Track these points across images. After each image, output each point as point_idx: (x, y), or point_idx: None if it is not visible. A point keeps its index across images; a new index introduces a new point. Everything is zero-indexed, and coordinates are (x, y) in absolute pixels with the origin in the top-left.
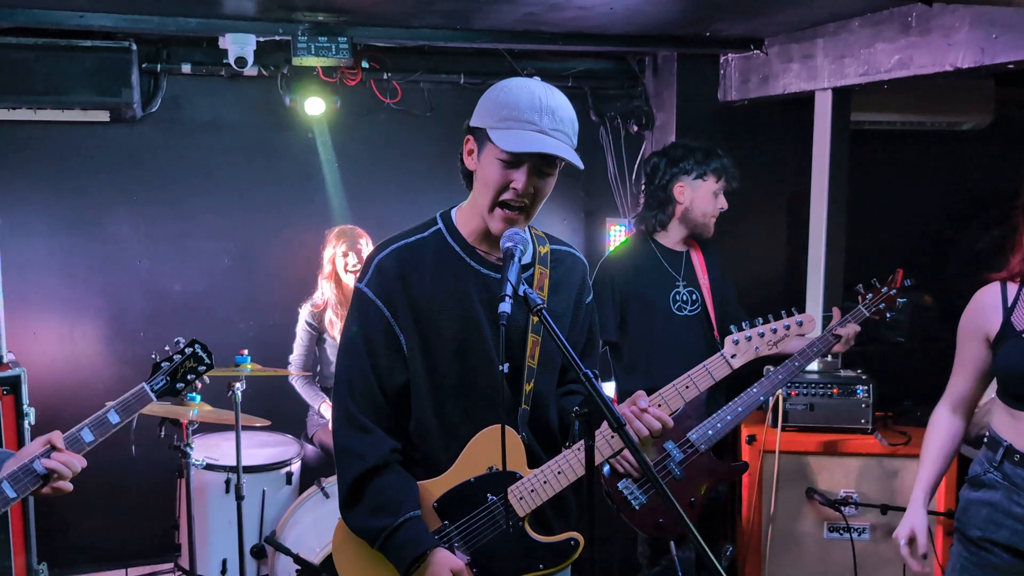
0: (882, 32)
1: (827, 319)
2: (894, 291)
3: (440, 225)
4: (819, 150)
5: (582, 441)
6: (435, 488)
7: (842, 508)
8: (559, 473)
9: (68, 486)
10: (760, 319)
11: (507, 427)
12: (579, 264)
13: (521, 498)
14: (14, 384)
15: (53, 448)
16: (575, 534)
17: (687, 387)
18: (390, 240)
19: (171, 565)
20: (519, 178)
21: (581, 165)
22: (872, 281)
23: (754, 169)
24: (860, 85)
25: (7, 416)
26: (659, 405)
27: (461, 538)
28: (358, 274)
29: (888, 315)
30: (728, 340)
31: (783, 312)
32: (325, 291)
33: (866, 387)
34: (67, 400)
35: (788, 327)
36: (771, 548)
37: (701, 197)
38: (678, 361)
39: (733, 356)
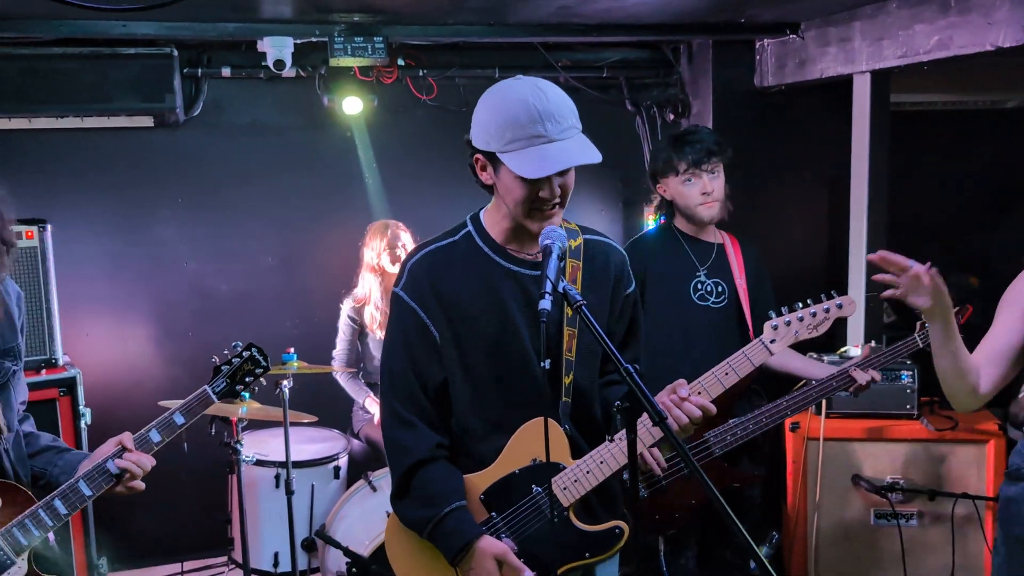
0: (921, 13)
1: (870, 312)
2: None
3: (470, 228)
4: (858, 134)
5: (612, 439)
6: (481, 481)
7: (889, 494)
8: (601, 463)
9: (140, 484)
10: (799, 303)
11: (551, 420)
12: (615, 254)
13: (565, 488)
14: (70, 385)
15: (124, 449)
16: (619, 522)
17: (727, 373)
18: (423, 245)
19: (224, 558)
20: (544, 188)
21: (599, 159)
22: None
23: (792, 155)
24: (899, 67)
25: (64, 417)
26: (699, 393)
27: (508, 529)
28: (395, 279)
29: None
30: (767, 325)
31: (822, 295)
32: (367, 285)
33: (910, 372)
34: (120, 400)
35: (828, 310)
36: (818, 536)
37: (677, 192)
38: (699, 351)
39: (772, 341)
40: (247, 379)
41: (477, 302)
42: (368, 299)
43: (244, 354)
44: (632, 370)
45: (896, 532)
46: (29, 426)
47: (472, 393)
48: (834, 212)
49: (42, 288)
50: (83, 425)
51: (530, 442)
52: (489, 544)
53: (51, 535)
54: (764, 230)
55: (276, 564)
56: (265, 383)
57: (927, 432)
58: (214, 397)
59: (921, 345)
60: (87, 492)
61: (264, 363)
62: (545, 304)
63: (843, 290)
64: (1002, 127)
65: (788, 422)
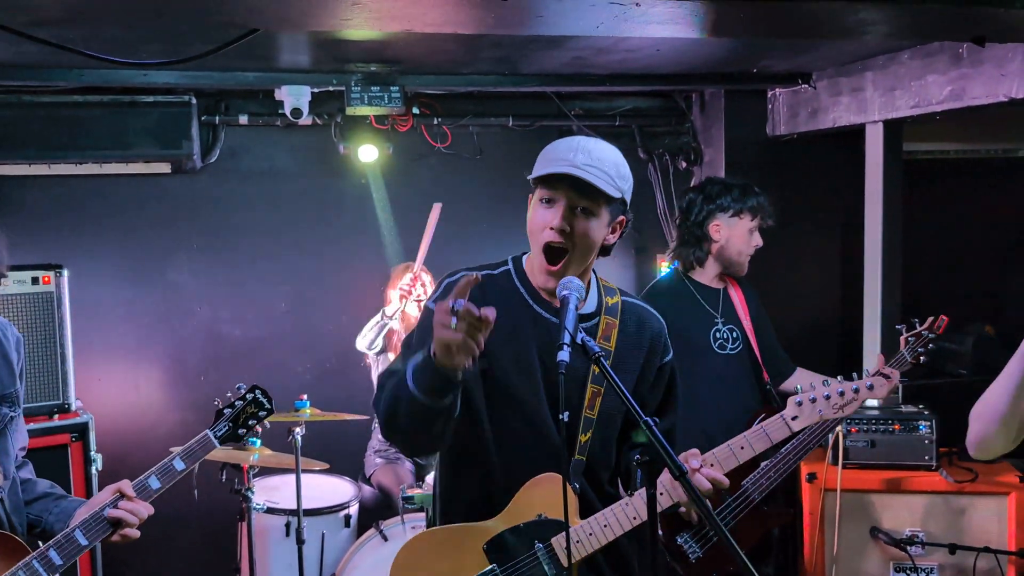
0: (933, 64)
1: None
2: (932, 335)
3: (510, 266)
4: (871, 183)
5: (633, 493)
6: (485, 531)
7: (908, 548)
8: (605, 526)
9: (135, 533)
10: (827, 380)
11: (558, 476)
12: (653, 321)
13: (565, 547)
14: (82, 431)
15: (122, 496)
16: None
17: (742, 448)
18: (462, 269)
19: None
20: (551, 216)
21: (610, 192)
22: (913, 322)
23: (805, 203)
24: (912, 117)
25: (76, 462)
26: (711, 465)
27: None
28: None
29: (922, 360)
30: (791, 401)
31: (854, 375)
32: (393, 323)
33: (929, 423)
34: (132, 445)
35: (857, 390)
36: None
37: (737, 235)
38: (723, 400)
39: (795, 418)
40: (250, 422)
41: (503, 339)
42: (394, 333)
43: (247, 396)
44: (652, 424)
45: None
46: (27, 472)
47: (487, 428)
48: (847, 260)
49: (57, 333)
50: (94, 471)
51: (538, 496)
52: None
53: None
54: (777, 278)
55: None
56: (269, 426)
57: (946, 484)
58: (215, 442)
59: (909, 359)
60: (83, 542)
61: (268, 406)
62: (563, 356)
63: (859, 339)
64: (1016, 175)
65: (805, 472)
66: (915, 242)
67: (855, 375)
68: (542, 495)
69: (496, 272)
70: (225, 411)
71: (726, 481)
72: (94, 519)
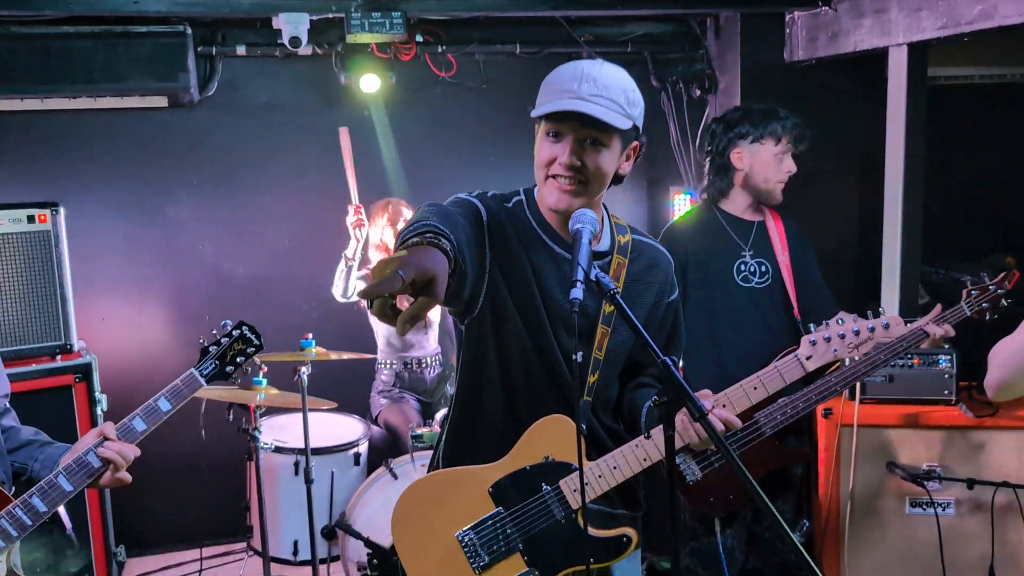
0: None
1: (904, 291)
2: (1002, 291)
3: (522, 198)
4: (894, 109)
5: (649, 435)
6: (490, 474)
7: (925, 482)
8: (614, 468)
9: (126, 476)
10: (842, 316)
11: (567, 418)
12: (663, 259)
13: (575, 490)
14: (86, 372)
15: (105, 439)
16: (628, 531)
17: (755, 388)
18: (476, 191)
19: (244, 544)
20: (562, 150)
21: (620, 125)
22: (981, 275)
23: (823, 131)
24: (938, 39)
25: (80, 404)
26: (723, 405)
27: (514, 525)
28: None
29: (988, 317)
30: (805, 340)
31: (868, 313)
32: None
33: (948, 357)
34: (137, 385)
35: (873, 329)
36: (850, 524)
37: (760, 162)
38: (743, 334)
39: (808, 358)
40: (238, 359)
41: (520, 271)
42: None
43: (234, 333)
44: (670, 363)
45: (932, 521)
46: (10, 420)
47: (498, 368)
48: (866, 190)
49: (55, 273)
50: (99, 412)
51: (544, 438)
52: None
53: (67, 521)
54: (793, 208)
55: (296, 552)
56: (260, 363)
57: (965, 418)
58: (202, 380)
59: (968, 314)
60: (67, 487)
61: (257, 342)
62: (576, 293)
63: (876, 274)
64: None
65: (820, 408)
66: (938, 172)
67: (869, 314)
68: (549, 437)
69: (510, 204)
70: (211, 348)
71: (738, 423)
72: (77, 464)
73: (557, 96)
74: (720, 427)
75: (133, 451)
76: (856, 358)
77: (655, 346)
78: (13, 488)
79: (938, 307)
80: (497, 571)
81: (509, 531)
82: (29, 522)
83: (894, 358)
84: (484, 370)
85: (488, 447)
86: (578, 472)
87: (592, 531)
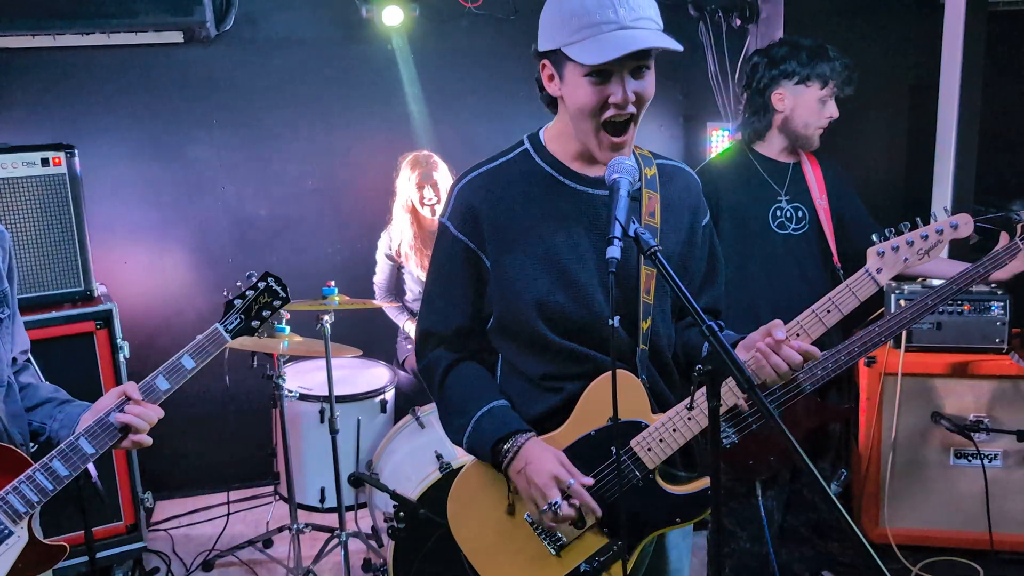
0: None
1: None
2: None
3: (528, 146)
4: (950, 39)
5: (693, 406)
6: (552, 444)
7: (972, 434)
8: (690, 419)
9: (146, 439)
10: (905, 224)
11: (627, 372)
12: (692, 181)
13: (649, 449)
14: (107, 318)
15: (128, 400)
16: (708, 481)
17: (828, 311)
18: (472, 168)
19: (271, 489)
20: (615, 91)
21: (679, 47)
22: None
23: (872, 62)
24: None
25: (103, 351)
26: (797, 335)
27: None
28: (440, 208)
29: None
30: (871, 252)
31: (933, 213)
32: (401, 225)
33: (1002, 303)
34: (160, 331)
35: (941, 231)
36: (891, 475)
37: (803, 105)
38: (779, 282)
39: (879, 271)
40: (264, 313)
41: (540, 227)
42: (403, 239)
43: (259, 285)
44: (717, 328)
45: (978, 473)
46: (29, 377)
47: (533, 329)
48: (914, 126)
49: (72, 217)
50: (122, 359)
51: (605, 398)
52: (544, 444)
53: (93, 470)
54: (838, 143)
55: (323, 500)
56: (287, 316)
57: (1017, 368)
58: (227, 336)
59: None
60: (89, 450)
61: (283, 294)
62: (614, 252)
63: (926, 208)
64: None
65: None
66: (994, 105)
67: (934, 215)
68: (609, 396)
69: (512, 156)
70: (235, 302)
71: (817, 352)
72: (100, 426)
73: (596, 31)
74: (798, 359)
75: (156, 412)
76: (926, 261)
77: (702, 313)
78: (34, 446)
79: (1005, 236)
80: (577, 548)
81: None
82: (50, 487)
83: (944, 302)
84: (517, 323)
85: (526, 410)
86: (650, 429)
87: (673, 489)
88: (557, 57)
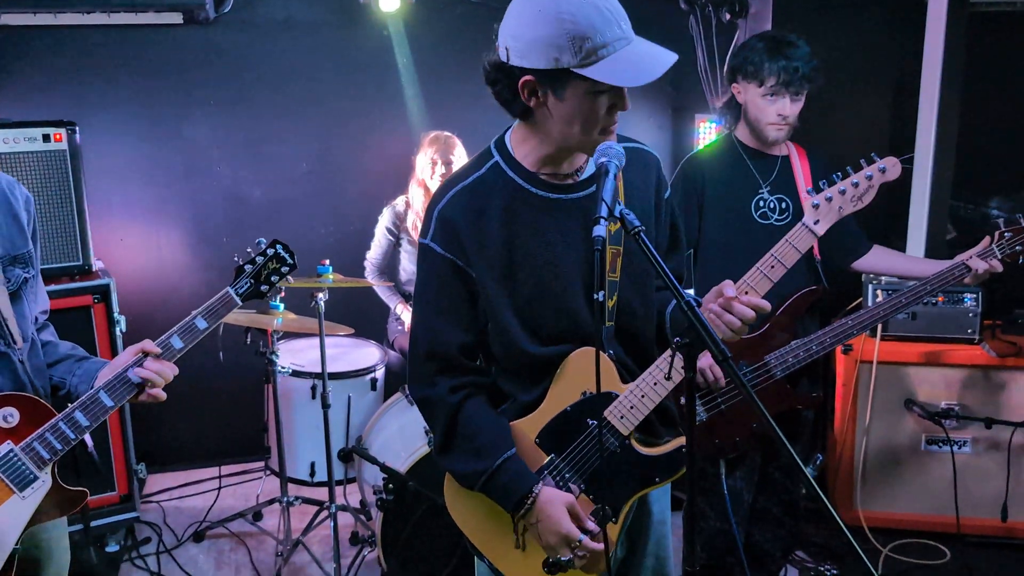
0: None
1: (932, 228)
2: None
3: (497, 157)
4: (932, 37)
5: (670, 376)
6: (531, 425)
7: (943, 421)
8: (655, 384)
9: (162, 394)
10: (838, 174)
11: (592, 349)
12: (651, 159)
13: (622, 417)
14: (104, 293)
15: (146, 355)
16: (683, 442)
17: (772, 266)
18: (447, 186)
19: (262, 464)
20: (617, 98)
21: (676, 56)
22: (1017, 216)
23: (857, 59)
24: None
25: (100, 325)
26: (746, 292)
27: (571, 468)
28: (420, 228)
29: (1021, 259)
30: (806, 204)
31: (862, 161)
32: (413, 196)
33: (974, 295)
34: (156, 307)
35: (870, 176)
36: (865, 459)
37: (751, 101)
38: None
39: (816, 222)
40: (272, 278)
41: (518, 240)
42: (410, 207)
43: (268, 252)
44: (694, 303)
45: (947, 459)
46: (48, 335)
47: (514, 341)
48: (897, 120)
49: (72, 193)
50: (118, 333)
51: (577, 375)
52: (555, 493)
53: (89, 440)
54: (821, 139)
55: (313, 474)
56: (293, 282)
57: (987, 357)
58: (237, 299)
59: (999, 256)
60: (108, 403)
61: (291, 261)
62: (599, 231)
63: (905, 211)
64: None
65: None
66: (973, 102)
67: (863, 162)
68: (581, 372)
69: (484, 170)
70: (246, 267)
71: (767, 304)
72: (119, 380)
73: (610, 50)
74: (750, 313)
75: (172, 369)
76: (859, 206)
77: (679, 288)
78: (51, 401)
79: (987, 240)
80: None
81: (567, 475)
82: (72, 436)
83: (919, 301)
84: (509, 337)
85: (519, 401)
86: (620, 398)
87: (649, 451)
88: (557, 76)
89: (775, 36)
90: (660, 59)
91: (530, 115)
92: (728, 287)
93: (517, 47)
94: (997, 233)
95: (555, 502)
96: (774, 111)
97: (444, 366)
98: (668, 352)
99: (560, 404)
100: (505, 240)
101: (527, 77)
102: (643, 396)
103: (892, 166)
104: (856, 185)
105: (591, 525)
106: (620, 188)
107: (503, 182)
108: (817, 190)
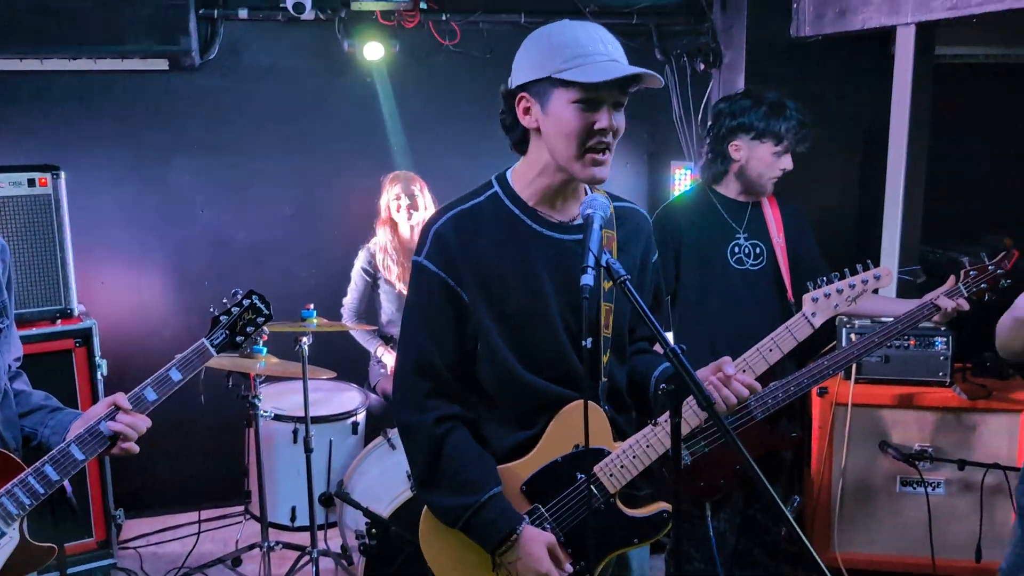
0: None
1: (909, 277)
2: (1001, 271)
3: (496, 188)
4: (899, 88)
5: (656, 422)
6: (521, 470)
7: (917, 462)
8: (648, 447)
9: (134, 447)
10: (836, 275)
11: (591, 403)
12: (644, 222)
13: (611, 475)
14: (86, 336)
15: (118, 409)
16: (665, 505)
17: (771, 350)
18: (445, 208)
19: (242, 508)
20: (601, 118)
21: (663, 82)
22: (980, 255)
23: (827, 108)
24: (947, 20)
25: (80, 368)
26: (743, 371)
27: (553, 519)
28: (416, 247)
29: (987, 297)
30: (807, 299)
31: (858, 267)
32: (381, 237)
33: (945, 339)
34: (136, 350)
35: (866, 281)
36: (841, 501)
37: (757, 158)
38: (736, 316)
39: (814, 315)
40: (248, 329)
41: (508, 268)
42: (382, 248)
43: (244, 302)
44: (679, 351)
45: (922, 500)
46: (22, 384)
47: (505, 366)
48: (867, 168)
49: (56, 237)
50: (99, 376)
51: (571, 427)
52: (536, 533)
53: (68, 485)
54: (794, 187)
55: (293, 518)
56: (269, 332)
57: (959, 400)
58: (212, 351)
59: (965, 295)
60: (79, 456)
61: (266, 311)
62: (587, 280)
63: (877, 248)
64: None
65: (817, 387)
66: (939, 150)
67: (859, 267)
68: (576, 424)
69: (482, 199)
70: (221, 318)
71: (759, 386)
72: (90, 433)
73: (590, 59)
74: (745, 392)
75: (144, 422)
76: (853, 307)
77: (665, 336)
78: (22, 453)
79: (952, 280)
80: None
81: (548, 527)
82: (42, 491)
83: (890, 340)
84: (499, 372)
85: (501, 445)
86: (613, 456)
87: (632, 512)
88: (541, 86)
89: (771, 98)
90: (632, 69)
91: (528, 144)
92: (727, 364)
93: (516, 72)
94: (963, 272)
95: (537, 540)
96: (779, 166)
97: (433, 385)
98: (665, 415)
99: (551, 454)
100: (497, 265)
101: (521, 94)
102: (635, 457)
103: (886, 274)
104: (852, 287)
105: (569, 568)
106: (614, 245)
107: (500, 210)
108: (816, 286)
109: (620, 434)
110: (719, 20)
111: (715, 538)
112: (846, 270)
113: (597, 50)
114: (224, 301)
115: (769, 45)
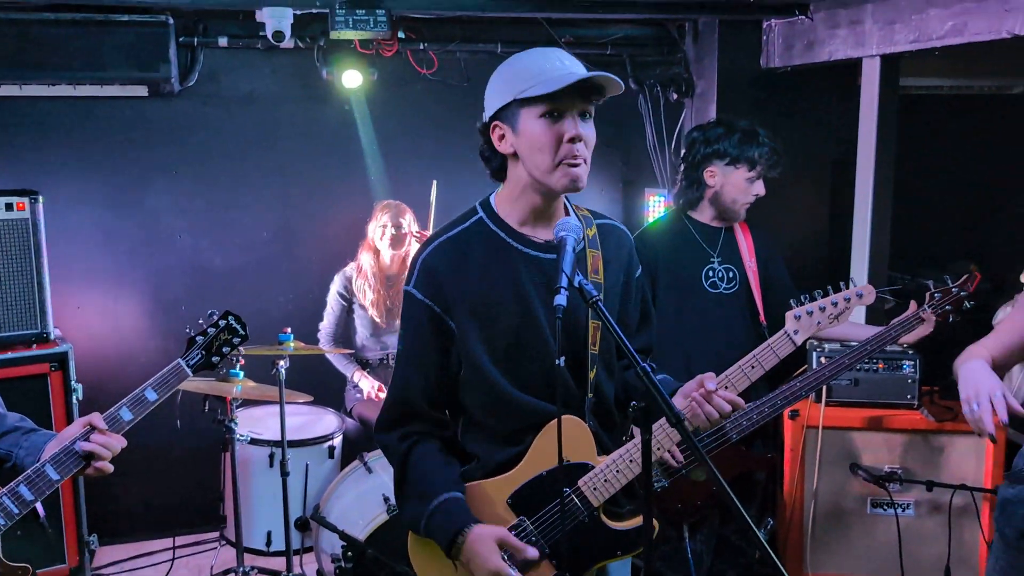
0: None
1: (889, 297)
2: (964, 293)
3: (481, 213)
4: (866, 118)
5: (630, 439)
6: (507, 485)
7: (887, 484)
8: (631, 462)
9: (109, 467)
10: (819, 292)
11: (575, 418)
12: (625, 238)
13: (595, 489)
14: (62, 360)
15: (93, 429)
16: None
17: (752, 367)
18: (433, 236)
19: (217, 534)
20: (568, 127)
21: (622, 85)
22: (945, 279)
23: (796, 137)
24: (910, 52)
25: (56, 393)
26: (726, 387)
27: (539, 532)
28: (406, 277)
29: (951, 319)
30: (789, 316)
31: (841, 284)
32: (363, 261)
33: (912, 362)
34: (113, 375)
35: (849, 299)
36: (813, 523)
37: (731, 184)
38: (711, 338)
39: (796, 332)
40: (224, 349)
41: (497, 290)
42: (360, 272)
43: (220, 323)
44: (649, 370)
45: (892, 521)
46: None
47: (494, 387)
48: (836, 196)
49: (33, 261)
50: (75, 400)
51: (555, 442)
52: (483, 530)
53: (41, 509)
54: (765, 214)
55: (269, 543)
56: (244, 353)
57: (926, 422)
58: (188, 371)
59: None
60: (54, 476)
61: (242, 332)
62: (560, 300)
63: (845, 274)
64: (1009, 112)
65: (787, 410)
66: (906, 178)
67: (842, 284)
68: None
69: (468, 224)
70: (197, 339)
71: (743, 403)
72: (65, 453)
73: (548, 74)
74: (727, 408)
75: (119, 442)
76: (837, 325)
77: (636, 355)
78: None
79: (914, 305)
80: None
81: (533, 539)
82: (16, 511)
83: (860, 361)
84: (488, 389)
85: (489, 460)
86: (597, 471)
87: (616, 525)
88: (510, 110)
89: (743, 125)
90: (587, 72)
91: (505, 170)
92: (709, 380)
93: (487, 105)
94: (928, 295)
95: (484, 538)
96: (752, 191)
97: (406, 412)
98: (630, 444)
99: (536, 468)
100: (486, 287)
101: (494, 123)
102: (618, 471)
103: (868, 293)
104: (835, 304)
105: (530, 552)
106: (600, 264)
107: (485, 234)
108: (799, 303)
109: (604, 449)
110: (691, 51)
111: (692, 560)
112: (829, 288)
113: (554, 66)
114: (200, 322)
115: (740, 76)
